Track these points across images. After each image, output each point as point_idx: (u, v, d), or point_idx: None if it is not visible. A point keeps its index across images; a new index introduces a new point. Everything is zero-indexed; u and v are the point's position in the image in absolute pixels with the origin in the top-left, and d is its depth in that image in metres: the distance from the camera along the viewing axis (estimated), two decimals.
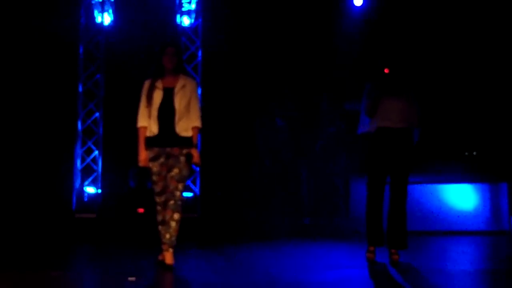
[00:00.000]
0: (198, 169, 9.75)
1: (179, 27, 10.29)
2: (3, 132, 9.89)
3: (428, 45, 9.55)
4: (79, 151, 10.20)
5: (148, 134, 5.14)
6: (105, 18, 10.20)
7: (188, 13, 10.27)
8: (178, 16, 10.28)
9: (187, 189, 9.42)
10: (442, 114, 9.43)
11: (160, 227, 5.10)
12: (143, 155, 5.14)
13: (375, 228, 5.66)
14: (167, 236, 5.04)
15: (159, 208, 5.12)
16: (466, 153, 9.92)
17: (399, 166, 5.62)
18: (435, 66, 9.56)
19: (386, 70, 5.64)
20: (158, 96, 5.13)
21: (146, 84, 5.21)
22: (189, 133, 5.14)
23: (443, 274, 5.10)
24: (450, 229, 8.52)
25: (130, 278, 4.69)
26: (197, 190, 10.03)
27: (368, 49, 9.17)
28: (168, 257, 5.04)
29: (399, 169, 5.63)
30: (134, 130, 5.27)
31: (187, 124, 5.14)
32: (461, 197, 8.78)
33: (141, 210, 9.54)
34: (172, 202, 5.04)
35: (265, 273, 5.13)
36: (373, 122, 5.66)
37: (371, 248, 5.68)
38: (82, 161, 10.23)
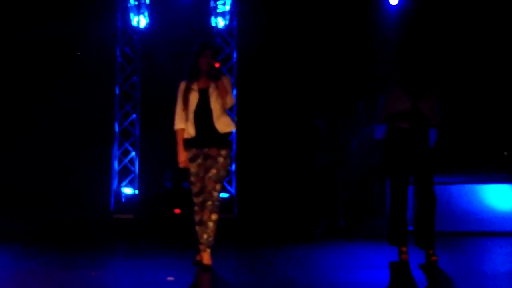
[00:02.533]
0: (234, 169, 9.80)
1: (214, 29, 10.36)
2: (43, 134, 10.09)
3: (465, 44, 9.44)
4: (116, 152, 10.34)
5: (186, 136, 5.17)
6: (141, 21, 10.32)
7: (223, 14, 10.34)
8: (212, 18, 10.35)
9: (223, 189, 9.46)
10: (481, 113, 9.31)
11: (197, 228, 5.13)
12: (183, 156, 5.17)
13: (400, 228, 5.60)
14: (205, 236, 5.06)
15: (196, 208, 5.15)
16: (505, 153, 9.76)
17: (421, 166, 5.57)
18: (472, 65, 9.44)
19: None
20: (194, 98, 5.15)
21: (182, 86, 5.22)
22: (231, 128, 5.19)
23: (481, 276, 5.02)
24: (489, 230, 8.39)
25: (168, 278, 4.74)
26: (233, 190, 10.07)
27: (404, 49, 9.09)
28: (206, 257, 5.06)
29: (420, 169, 5.57)
30: (170, 131, 5.31)
31: (228, 119, 5.18)
32: (501, 197, 8.64)
33: (177, 211, 9.61)
34: (209, 202, 5.07)
35: (303, 273, 5.13)
36: (388, 122, 5.64)
37: (404, 249, 5.62)
38: (120, 162, 10.36)
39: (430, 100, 5.62)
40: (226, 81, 5.18)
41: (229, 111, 5.36)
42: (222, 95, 5.08)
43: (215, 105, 5.13)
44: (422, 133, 5.59)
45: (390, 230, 5.65)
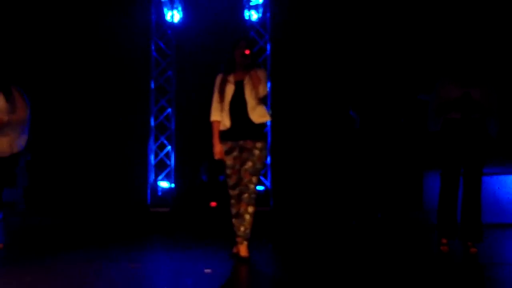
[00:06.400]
0: (269, 162, 9.80)
1: (248, 22, 10.36)
2: (81, 130, 10.24)
3: (498, 33, 9.27)
4: (152, 146, 10.43)
5: (221, 128, 5.19)
6: (175, 16, 10.38)
7: (256, 7, 10.33)
8: (246, 11, 10.34)
9: (259, 182, 9.49)
10: None
11: (234, 220, 5.16)
12: (218, 148, 5.19)
13: (449, 220, 5.55)
14: (242, 229, 5.09)
15: (233, 201, 5.17)
16: None
17: (473, 157, 5.49)
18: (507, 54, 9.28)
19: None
20: (230, 90, 5.17)
21: (218, 78, 5.26)
22: (266, 118, 5.16)
23: None
24: None
25: (206, 270, 4.76)
26: (268, 183, 10.07)
27: (440, 38, 8.99)
28: (243, 250, 5.09)
29: (473, 160, 5.49)
30: (205, 124, 5.33)
31: (263, 110, 5.16)
32: None
33: (213, 204, 9.67)
34: (246, 195, 5.08)
35: (343, 265, 5.11)
36: (442, 114, 5.55)
37: (444, 241, 5.59)
38: (156, 156, 10.46)
39: (483, 88, 5.50)
40: (260, 71, 5.18)
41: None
42: (254, 84, 5.07)
43: (249, 96, 5.12)
44: (476, 122, 5.49)
45: (439, 221, 5.60)
